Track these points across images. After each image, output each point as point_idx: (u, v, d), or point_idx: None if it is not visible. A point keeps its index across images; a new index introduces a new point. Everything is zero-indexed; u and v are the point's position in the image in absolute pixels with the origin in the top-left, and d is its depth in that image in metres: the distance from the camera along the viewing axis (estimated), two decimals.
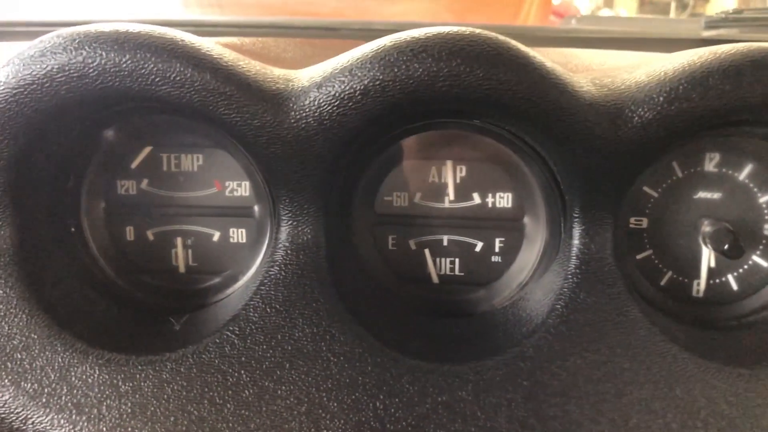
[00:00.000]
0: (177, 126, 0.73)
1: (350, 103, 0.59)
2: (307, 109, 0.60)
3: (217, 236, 0.77)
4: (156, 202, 0.76)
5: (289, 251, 0.65)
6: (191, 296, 0.77)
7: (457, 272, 0.77)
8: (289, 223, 0.65)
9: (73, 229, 0.74)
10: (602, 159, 0.61)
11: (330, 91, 0.59)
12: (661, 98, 0.59)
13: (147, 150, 0.76)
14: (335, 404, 0.63)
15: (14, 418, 0.62)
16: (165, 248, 0.78)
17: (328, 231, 0.66)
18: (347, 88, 0.59)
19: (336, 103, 0.59)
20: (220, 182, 0.76)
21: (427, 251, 0.77)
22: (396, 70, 0.58)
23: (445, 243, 0.77)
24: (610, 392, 0.63)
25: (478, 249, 0.76)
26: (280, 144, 0.61)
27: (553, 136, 0.61)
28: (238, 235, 0.77)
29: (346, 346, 0.63)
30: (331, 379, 0.63)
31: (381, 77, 0.58)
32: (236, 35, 0.85)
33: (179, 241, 0.77)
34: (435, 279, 0.78)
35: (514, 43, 0.59)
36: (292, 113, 0.60)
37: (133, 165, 0.76)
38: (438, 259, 0.77)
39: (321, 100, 0.60)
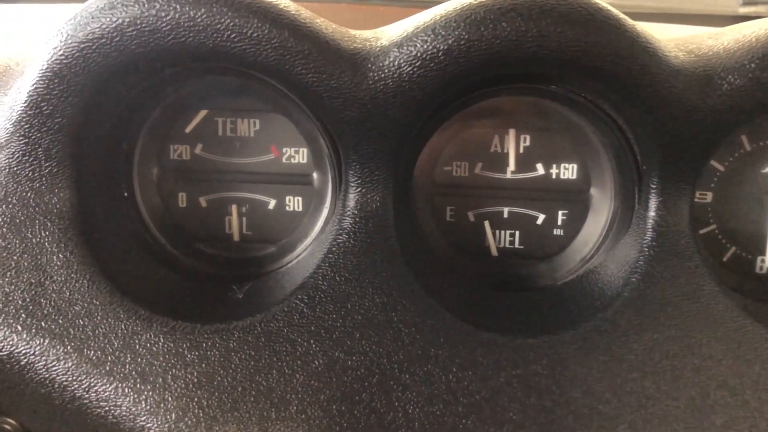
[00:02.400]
0: (234, 89, 0.71)
1: (432, 64, 0.56)
2: (386, 70, 0.57)
3: (272, 204, 0.75)
4: (210, 167, 0.74)
5: (357, 219, 0.63)
6: (246, 265, 0.75)
7: (516, 245, 0.75)
8: (358, 190, 0.63)
9: (125, 194, 0.71)
10: (686, 127, 0.59)
11: (411, 51, 0.57)
12: (753, 65, 0.57)
13: (202, 114, 0.73)
14: (407, 376, 0.61)
15: (77, 385, 0.60)
16: (218, 216, 0.75)
17: (394, 199, 0.64)
18: (430, 47, 0.56)
19: (417, 64, 0.57)
20: (277, 148, 0.73)
21: (486, 223, 0.75)
22: (482, 29, 0.55)
23: (506, 215, 0.75)
24: (687, 368, 0.61)
25: (539, 221, 0.74)
26: (356, 106, 0.58)
27: (639, 102, 0.58)
28: (295, 203, 0.74)
29: (418, 317, 0.62)
30: (402, 350, 0.61)
31: (466, 36, 0.55)
32: None
33: (234, 208, 0.75)
34: (494, 252, 0.76)
35: (603, 4, 0.57)
36: (371, 74, 0.58)
37: (188, 129, 0.73)
38: (497, 232, 0.75)
39: (401, 61, 0.57)
